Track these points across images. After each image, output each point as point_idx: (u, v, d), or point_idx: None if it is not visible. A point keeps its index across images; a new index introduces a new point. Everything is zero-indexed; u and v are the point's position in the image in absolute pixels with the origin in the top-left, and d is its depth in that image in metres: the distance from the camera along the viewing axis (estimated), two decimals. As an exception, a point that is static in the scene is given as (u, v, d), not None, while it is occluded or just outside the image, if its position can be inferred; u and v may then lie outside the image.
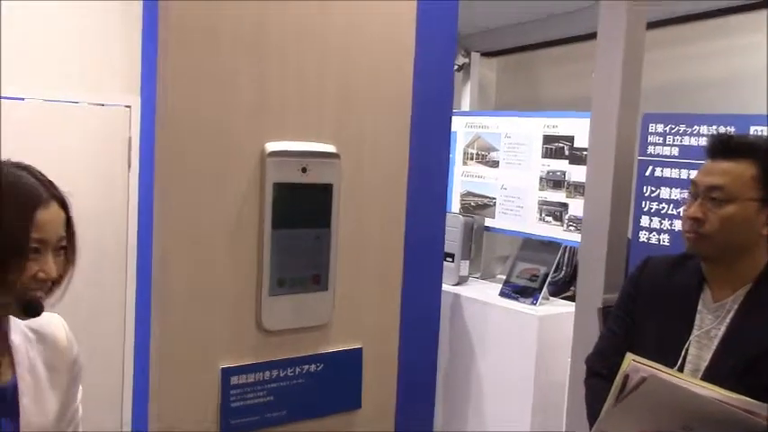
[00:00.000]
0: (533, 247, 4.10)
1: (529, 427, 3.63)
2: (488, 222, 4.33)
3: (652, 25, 2.71)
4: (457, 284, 4.05)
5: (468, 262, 4.15)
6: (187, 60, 1.44)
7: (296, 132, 1.58)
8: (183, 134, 1.45)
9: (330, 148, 1.62)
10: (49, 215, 1.32)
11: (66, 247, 1.38)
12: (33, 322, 1.45)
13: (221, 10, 1.47)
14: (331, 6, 1.59)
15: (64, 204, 1.38)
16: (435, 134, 1.84)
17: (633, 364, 1.55)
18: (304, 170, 1.58)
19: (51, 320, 1.50)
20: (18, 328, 1.42)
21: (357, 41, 1.63)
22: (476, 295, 3.97)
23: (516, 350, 3.73)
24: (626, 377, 1.55)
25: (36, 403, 1.39)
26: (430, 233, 1.86)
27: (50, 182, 1.38)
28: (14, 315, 1.36)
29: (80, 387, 1.55)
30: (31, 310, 1.32)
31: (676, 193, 3.50)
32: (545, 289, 3.85)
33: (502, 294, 3.93)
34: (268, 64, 1.53)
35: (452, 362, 3.98)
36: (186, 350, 1.51)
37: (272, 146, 1.54)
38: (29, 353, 1.42)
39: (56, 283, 1.36)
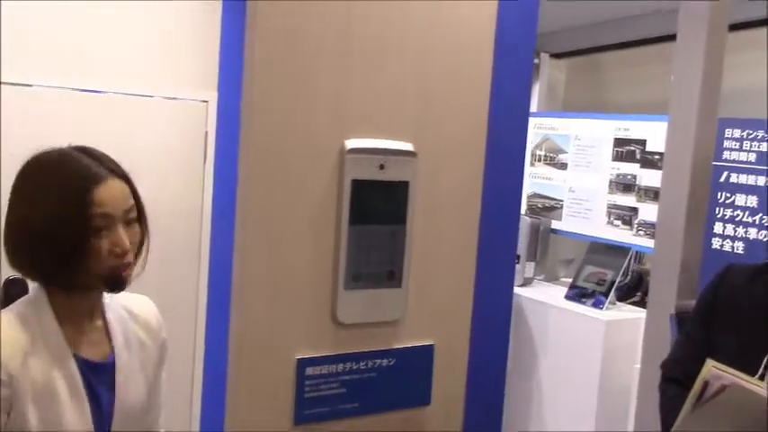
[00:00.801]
0: (601, 250, 4.04)
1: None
2: (555, 225, 4.29)
3: (731, 28, 2.64)
4: (522, 286, 4.02)
5: (533, 264, 4.12)
6: (272, 60, 1.48)
7: (375, 130, 1.60)
8: (267, 131, 1.49)
9: (408, 147, 1.63)
10: (108, 190, 1.35)
11: (139, 218, 1.41)
12: (127, 302, 1.51)
13: (306, 9, 1.50)
14: (413, 7, 1.61)
15: (126, 179, 1.40)
16: (512, 136, 1.84)
17: (714, 370, 1.52)
18: (382, 167, 1.60)
19: (142, 301, 1.56)
20: (113, 307, 1.48)
21: (437, 42, 1.65)
22: (541, 297, 3.94)
23: (581, 354, 3.69)
24: (705, 384, 1.52)
25: (130, 380, 1.44)
26: (504, 234, 1.86)
27: (110, 159, 1.41)
28: (104, 291, 1.41)
29: (163, 381, 1.59)
30: (116, 284, 1.36)
31: (752, 201, 3.42)
32: (612, 294, 3.79)
33: (568, 297, 3.89)
34: (350, 63, 1.56)
35: (515, 363, 3.96)
36: (264, 341, 1.54)
37: (351, 143, 1.57)
38: (124, 331, 1.47)
39: (137, 254, 1.41)
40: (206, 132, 3.18)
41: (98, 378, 1.40)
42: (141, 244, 1.44)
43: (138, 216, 1.42)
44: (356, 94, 1.57)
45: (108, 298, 1.49)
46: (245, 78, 1.51)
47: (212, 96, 3.11)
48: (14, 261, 1.37)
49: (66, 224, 1.31)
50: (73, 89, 2.99)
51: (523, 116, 1.92)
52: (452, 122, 1.70)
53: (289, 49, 1.50)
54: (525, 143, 1.96)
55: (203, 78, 3.13)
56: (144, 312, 1.54)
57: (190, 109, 3.19)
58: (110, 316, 1.46)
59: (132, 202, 1.40)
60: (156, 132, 3.12)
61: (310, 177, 1.55)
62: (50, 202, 1.33)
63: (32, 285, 1.43)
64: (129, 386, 1.44)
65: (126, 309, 1.51)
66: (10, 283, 2.82)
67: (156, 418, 1.56)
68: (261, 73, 1.48)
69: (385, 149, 1.60)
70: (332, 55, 1.54)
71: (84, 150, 1.41)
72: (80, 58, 3.00)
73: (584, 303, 3.80)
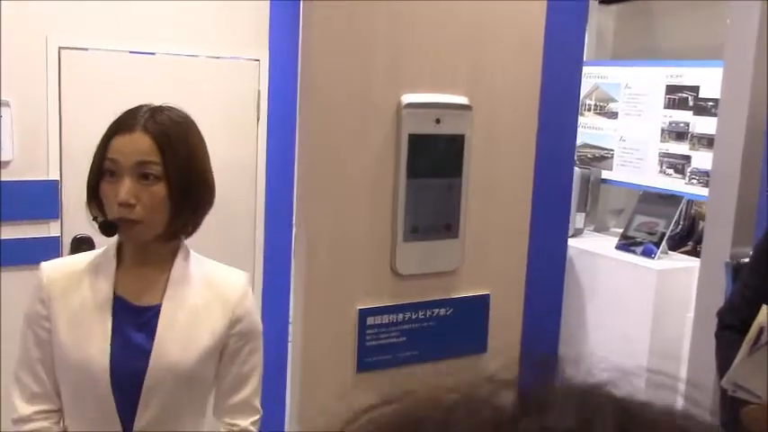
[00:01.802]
0: (652, 200, 4.00)
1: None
2: (605, 174, 4.26)
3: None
4: (572, 236, 4.01)
5: (584, 214, 4.10)
6: (329, 17, 1.50)
7: (430, 84, 1.62)
8: (325, 88, 1.52)
9: (463, 100, 1.65)
10: (125, 141, 1.39)
11: (167, 179, 1.40)
12: (212, 270, 1.54)
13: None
14: (466, -42, 1.61)
15: (157, 136, 1.41)
16: (565, 85, 1.84)
17: (770, 317, 1.53)
18: (438, 121, 1.62)
19: (229, 275, 1.55)
20: (188, 267, 1.51)
21: (491, -7, 1.65)
22: (591, 248, 3.93)
23: (633, 304, 3.69)
24: (761, 329, 1.54)
25: (175, 334, 1.45)
26: (558, 185, 1.87)
27: (160, 117, 1.43)
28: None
29: (254, 364, 1.54)
30: (103, 229, 1.42)
31: (810, 146, 3.34)
32: (664, 243, 3.77)
33: (619, 247, 3.88)
34: (404, 19, 1.57)
35: (566, 314, 3.98)
36: (327, 292, 1.60)
37: (407, 98, 1.59)
38: (185, 289, 1.50)
39: (170, 216, 1.43)
40: (258, 91, 3.22)
41: (137, 322, 1.46)
42: (177, 207, 1.43)
43: (167, 179, 1.41)
44: (411, 50, 1.59)
45: (195, 260, 1.53)
46: (303, 36, 1.54)
47: (264, 55, 3.13)
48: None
49: (93, 164, 1.43)
50: (127, 51, 3.05)
51: (577, 66, 1.92)
52: (506, 75, 1.71)
53: (345, 7, 1.52)
54: (579, 93, 1.95)
55: (254, 37, 3.16)
56: (224, 284, 1.53)
57: (241, 68, 3.23)
58: (175, 271, 1.51)
59: (152, 159, 1.40)
60: (209, 92, 3.16)
61: (368, 132, 1.58)
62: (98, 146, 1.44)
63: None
64: (172, 340, 1.45)
65: (204, 273, 1.52)
66: (78, 240, 2.95)
67: (236, 395, 1.52)
68: (318, 30, 1.51)
69: (441, 104, 1.62)
70: (387, 11, 1.55)
71: (154, 108, 1.47)
72: (132, 21, 3.05)
73: (634, 253, 3.79)
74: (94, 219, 1.45)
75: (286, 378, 3.14)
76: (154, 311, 1.47)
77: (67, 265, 1.52)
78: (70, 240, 2.97)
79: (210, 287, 1.52)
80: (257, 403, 1.55)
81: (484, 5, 1.65)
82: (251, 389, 1.53)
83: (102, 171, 1.41)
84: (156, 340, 1.45)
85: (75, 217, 2.95)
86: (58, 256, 2.94)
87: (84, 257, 1.52)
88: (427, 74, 1.62)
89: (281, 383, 3.25)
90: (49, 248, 2.94)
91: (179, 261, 1.51)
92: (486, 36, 1.67)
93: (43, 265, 1.49)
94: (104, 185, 1.40)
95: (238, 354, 1.52)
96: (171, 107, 1.50)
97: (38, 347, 1.46)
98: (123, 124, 1.42)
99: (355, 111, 1.56)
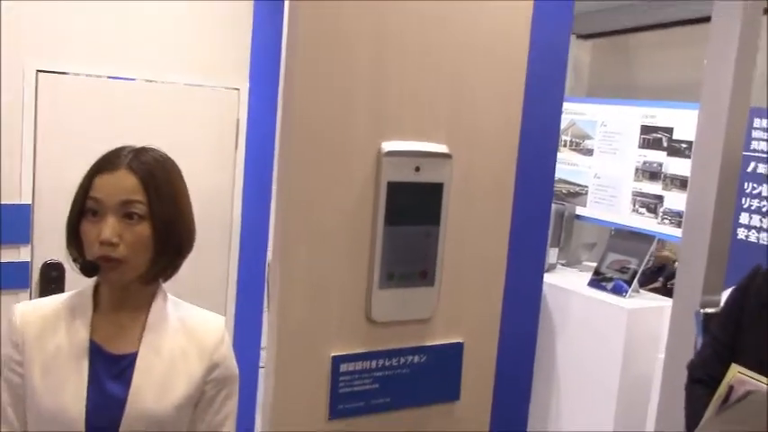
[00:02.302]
0: (624, 237, 4.05)
1: (612, 421, 3.63)
2: (579, 211, 4.31)
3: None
4: (545, 272, 4.04)
5: (557, 249, 4.15)
6: (312, 62, 1.50)
7: (410, 132, 1.63)
8: (306, 133, 1.52)
9: (443, 149, 1.65)
10: (109, 179, 1.39)
11: (151, 219, 1.41)
12: (189, 314, 1.53)
13: (343, 11, 1.52)
14: (448, 7, 1.62)
15: (142, 175, 1.41)
16: (545, 127, 1.85)
17: (739, 376, 1.55)
18: (417, 169, 1.63)
19: (206, 319, 1.55)
20: (164, 313, 1.50)
21: (472, 44, 1.66)
22: (563, 284, 3.97)
23: (603, 342, 3.72)
24: (730, 388, 1.55)
25: (151, 383, 1.44)
26: (535, 231, 1.88)
27: (143, 156, 1.44)
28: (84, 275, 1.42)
29: (230, 408, 1.54)
30: (85, 269, 1.40)
31: (780, 191, 3.41)
32: (635, 282, 3.81)
33: (591, 284, 3.91)
34: (386, 66, 1.58)
35: (537, 350, 4.00)
36: (300, 337, 1.58)
37: (388, 146, 1.59)
38: (161, 334, 1.48)
39: (155, 255, 1.44)
40: (237, 120, 3.22)
41: (112, 371, 1.43)
42: (159, 248, 1.43)
43: (152, 219, 1.42)
44: (392, 97, 1.60)
45: (171, 304, 1.52)
46: (286, 80, 1.54)
47: (243, 84, 3.13)
48: None
49: (74, 202, 1.42)
50: (105, 76, 3.04)
51: (557, 109, 1.93)
52: (486, 122, 1.72)
53: (328, 52, 1.52)
54: (558, 137, 1.97)
55: (235, 66, 3.16)
56: (201, 330, 1.52)
57: (221, 96, 3.23)
58: (151, 317, 1.49)
59: (137, 199, 1.40)
60: (188, 120, 3.16)
61: (348, 179, 1.57)
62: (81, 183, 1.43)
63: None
64: (148, 389, 1.43)
65: (181, 318, 1.52)
66: (48, 266, 2.91)
67: None
68: (301, 75, 1.51)
69: (421, 152, 1.63)
70: (369, 58, 1.56)
71: (139, 149, 1.47)
72: (112, 46, 3.04)
73: (605, 290, 3.82)
74: (74, 260, 1.43)
75: (255, 407, 3.12)
76: (130, 359, 1.45)
77: (42, 307, 1.48)
78: (40, 265, 2.93)
79: (187, 333, 1.51)
80: None
81: (466, 54, 1.66)
82: None
83: (83, 210, 1.39)
84: (131, 389, 1.42)
85: (46, 242, 2.91)
86: (29, 282, 2.92)
87: (59, 299, 1.49)
88: (408, 121, 1.62)
89: (250, 413, 3.22)
90: (19, 273, 2.89)
91: (156, 305, 1.50)
92: (467, 84, 1.68)
93: (18, 307, 1.47)
94: (86, 225, 1.39)
95: (214, 400, 1.52)
96: (153, 148, 1.49)
97: (8, 392, 1.43)
98: (107, 163, 1.42)
99: (335, 156, 1.56)
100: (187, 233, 1.51)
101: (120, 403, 1.41)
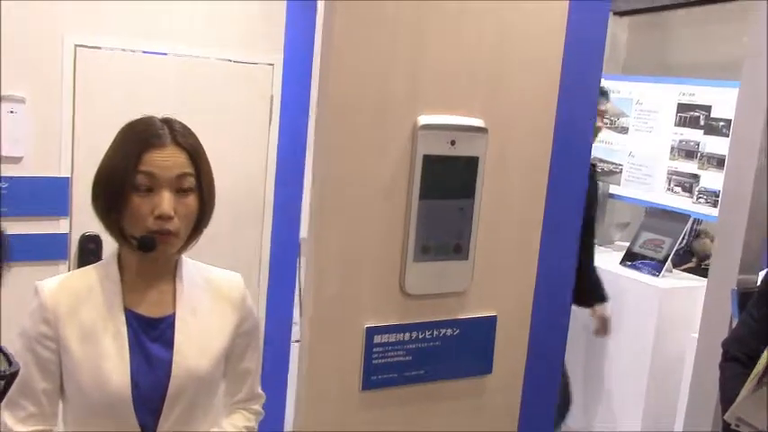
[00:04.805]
0: (659, 216, 4.02)
1: (644, 400, 3.62)
2: (613, 189, 4.27)
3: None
4: (578, 251, 4.01)
5: (590, 229, 4.10)
6: (351, 36, 1.51)
7: (447, 106, 1.63)
8: (344, 105, 1.53)
9: (479, 123, 1.65)
10: (161, 155, 1.41)
11: (198, 191, 1.46)
12: (211, 274, 1.58)
13: (381, -16, 1.51)
14: (487, -19, 1.61)
15: (189, 150, 1.45)
16: (581, 104, 1.83)
17: (776, 354, 1.53)
18: (453, 143, 1.63)
19: (228, 276, 1.62)
20: (190, 274, 1.55)
21: (511, 17, 1.65)
22: (597, 262, 3.94)
23: (636, 321, 3.70)
24: (768, 366, 1.54)
25: (192, 342, 1.50)
26: (569, 207, 1.87)
27: (186, 132, 1.47)
28: (137, 251, 1.44)
29: (255, 356, 1.65)
30: (144, 245, 1.41)
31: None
32: (668, 262, 3.78)
33: (623, 264, 3.89)
34: (424, 39, 1.57)
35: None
36: (335, 309, 1.60)
37: (424, 119, 1.59)
38: (194, 297, 1.53)
39: (195, 229, 1.48)
40: (271, 96, 3.23)
41: (152, 334, 1.48)
42: (200, 219, 1.49)
43: (200, 191, 1.46)
44: (430, 70, 1.59)
45: (190, 267, 1.56)
46: (323, 51, 1.54)
47: (278, 60, 3.13)
48: (93, 208, 1.49)
49: (116, 176, 1.41)
50: (140, 51, 3.06)
51: (594, 87, 1.91)
52: (523, 98, 1.71)
53: (365, 26, 1.52)
54: (595, 113, 1.95)
55: (269, 41, 3.16)
56: (225, 286, 1.59)
57: (256, 72, 3.24)
58: (181, 280, 1.52)
59: (189, 172, 1.44)
60: (222, 95, 3.17)
61: (383, 151, 1.58)
62: (115, 156, 1.43)
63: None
64: (190, 348, 1.49)
65: (206, 279, 1.57)
66: (86, 238, 2.97)
67: (242, 387, 1.64)
68: (338, 46, 1.51)
69: (456, 126, 1.62)
70: (407, 31, 1.55)
71: (165, 120, 1.48)
72: (147, 21, 3.07)
73: (639, 270, 3.79)
74: (131, 237, 1.42)
75: (286, 381, 3.16)
76: (168, 322, 1.49)
77: (69, 282, 1.50)
78: (78, 238, 2.99)
79: (214, 291, 1.57)
80: (260, 389, 1.70)
81: (504, 27, 1.65)
82: (256, 379, 1.66)
83: (132, 186, 1.40)
84: (174, 350, 1.47)
85: (84, 215, 2.96)
86: (67, 254, 2.97)
87: (85, 273, 1.52)
88: (445, 95, 1.62)
89: (281, 386, 3.27)
90: (58, 245, 2.95)
91: (183, 269, 1.53)
92: (504, 58, 1.67)
93: (42, 285, 1.47)
94: (136, 199, 1.40)
95: (245, 351, 1.62)
96: (177, 119, 1.51)
97: (38, 368, 1.45)
98: (151, 137, 1.42)
99: (372, 129, 1.57)
100: (214, 205, 1.55)
101: (165, 364, 1.46)
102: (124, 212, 1.41)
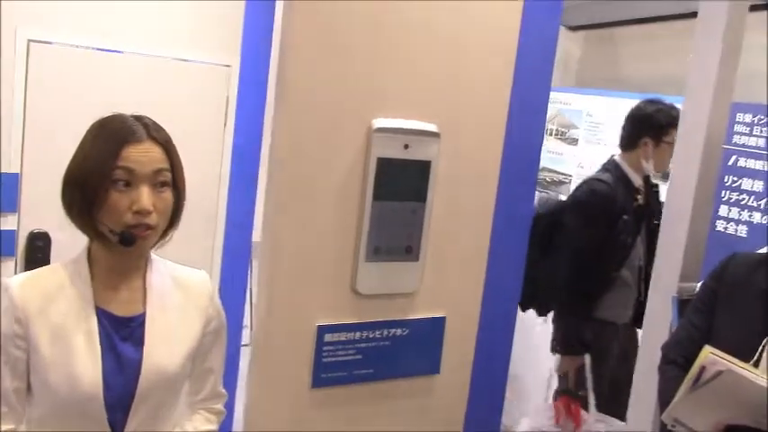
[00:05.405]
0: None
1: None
2: (562, 199, 4.35)
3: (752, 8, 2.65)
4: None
5: (539, 237, 4.18)
6: (307, 40, 1.54)
7: (401, 110, 1.66)
8: (300, 108, 1.55)
9: (432, 128, 1.69)
10: (139, 149, 1.41)
11: (173, 186, 1.47)
12: (177, 272, 1.58)
13: (339, -11, 1.55)
14: (442, -10, 1.65)
15: (164, 145, 1.46)
16: (532, 112, 1.89)
17: (710, 356, 1.60)
18: (406, 147, 1.66)
19: (194, 274, 1.62)
20: (159, 272, 1.55)
21: (464, 23, 1.70)
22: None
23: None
24: (702, 368, 1.60)
25: (161, 341, 1.50)
26: (518, 211, 1.92)
27: (158, 127, 1.48)
28: (116, 245, 1.43)
29: (220, 354, 1.64)
30: (125, 240, 1.41)
31: (758, 185, 3.47)
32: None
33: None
34: (379, 44, 1.61)
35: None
36: (287, 307, 1.62)
37: (378, 122, 1.63)
38: (163, 295, 1.53)
39: (170, 222, 1.48)
40: (227, 97, 3.22)
41: (122, 333, 1.47)
42: (174, 213, 1.50)
43: (174, 186, 1.48)
44: (385, 74, 1.63)
45: (160, 264, 1.55)
46: (279, 55, 1.56)
47: (235, 61, 3.13)
48: (63, 207, 1.46)
49: (93, 172, 1.40)
50: (94, 48, 3.04)
51: (543, 96, 1.97)
52: (475, 104, 1.76)
53: (322, 29, 1.55)
54: (544, 122, 2.01)
55: (226, 42, 3.16)
56: (192, 283, 1.59)
57: (211, 72, 3.23)
58: (151, 278, 1.52)
59: (166, 167, 1.45)
60: (177, 95, 3.15)
61: (338, 153, 1.61)
62: (91, 152, 1.42)
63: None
64: (160, 347, 1.49)
65: (173, 277, 1.57)
66: (34, 235, 2.92)
67: (206, 384, 1.63)
68: (295, 51, 1.53)
69: (410, 130, 1.66)
70: (362, 36, 1.59)
71: (137, 117, 1.48)
72: (102, 18, 3.04)
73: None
74: (112, 232, 1.41)
75: (236, 384, 3.15)
76: (138, 320, 1.48)
77: (39, 279, 1.47)
78: (26, 235, 2.94)
79: (182, 289, 1.57)
80: (222, 388, 1.69)
81: (459, 34, 1.70)
82: (218, 378, 1.65)
83: (110, 181, 1.39)
84: (145, 349, 1.47)
85: (33, 211, 2.92)
86: (14, 251, 2.93)
87: (54, 269, 1.49)
88: (399, 99, 1.66)
89: (231, 389, 3.25)
90: (5, 242, 2.90)
91: (152, 267, 1.53)
92: (458, 65, 1.72)
93: (12, 281, 1.45)
94: (115, 195, 1.39)
95: (210, 350, 1.62)
96: (146, 116, 1.51)
97: (9, 368, 1.42)
98: (127, 133, 1.42)
99: (327, 131, 1.59)
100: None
101: (134, 364, 1.45)
102: (101, 208, 1.40)
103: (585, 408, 3.01)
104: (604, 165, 3.31)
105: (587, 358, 3.11)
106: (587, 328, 3.12)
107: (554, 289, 3.15)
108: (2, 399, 1.43)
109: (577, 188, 3.31)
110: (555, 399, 3.20)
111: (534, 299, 3.19)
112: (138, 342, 1.48)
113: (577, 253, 3.05)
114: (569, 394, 3.05)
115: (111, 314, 1.47)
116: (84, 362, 1.41)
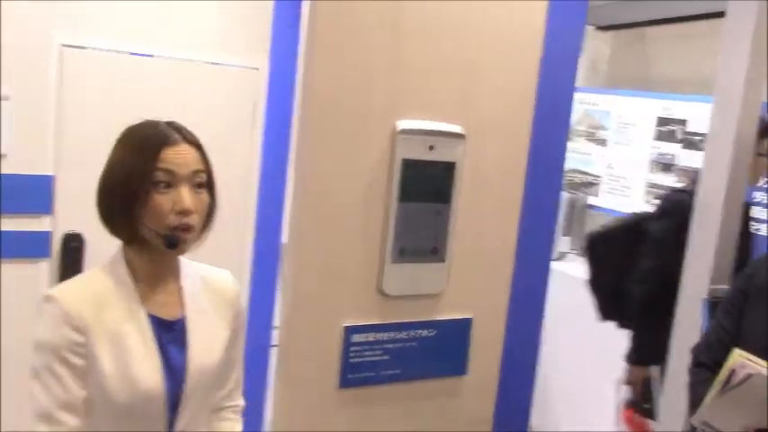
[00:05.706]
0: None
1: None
2: (591, 200, 4.33)
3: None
4: (556, 260, 4.08)
5: (568, 238, 4.17)
6: (332, 42, 1.55)
7: (426, 112, 1.67)
8: (325, 110, 1.57)
9: (457, 129, 1.70)
10: (177, 151, 1.43)
11: (208, 186, 1.48)
12: (205, 272, 1.60)
13: (363, -8, 1.56)
14: (468, -8, 1.66)
15: (198, 146, 1.48)
16: (557, 115, 1.88)
17: (740, 360, 1.58)
18: (431, 148, 1.67)
19: (221, 274, 1.64)
20: (189, 274, 1.57)
21: (489, 25, 1.70)
22: (573, 272, 3.99)
23: (612, 330, 3.74)
24: (732, 372, 1.59)
25: (203, 341, 1.52)
26: (544, 213, 1.91)
27: (189, 131, 1.50)
28: (161, 248, 1.44)
29: (241, 347, 1.66)
30: (170, 242, 1.42)
31: (791, 186, 3.41)
32: (645, 272, 3.83)
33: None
34: (403, 47, 1.62)
35: (545, 335, 4.03)
36: (314, 309, 1.64)
37: (403, 124, 1.64)
38: (197, 296, 1.55)
39: (205, 223, 1.50)
40: (255, 100, 3.25)
41: (168, 336, 1.49)
42: (209, 214, 1.52)
43: (208, 186, 1.50)
44: (409, 76, 1.64)
45: (187, 266, 1.58)
46: (305, 58, 1.58)
47: (263, 64, 3.16)
48: (99, 214, 1.47)
49: (132, 175, 1.41)
50: (126, 52, 3.09)
51: (568, 96, 1.96)
52: (500, 105, 1.76)
53: (347, 32, 1.56)
54: (569, 123, 1.99)
55: (255, 45, 3.18)
56: (220, 283, 1.61)
57: (240, 76, 3.26)
58: (185, 281, 1.54)
59: (202, 168, 1.47)
60: (207, 98, 3.19)
61: (364, 155, 1.62)
62: (125, 157, 1.44)
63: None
64: (202, 347, 1.51)
65: (202, 277, 1.59)
66: (69, 237, 2.97)
67: (231, 377, 1.64)
68: (320, 52, 1.55)
69: (435, 131, 1.67)
70: (387, 39, 1.60)
71: (168, 122, 1.51)
72: (133, 22, 3.09)
73: (616, 280, 3.84)
74: (157, 234, 1.42)
75: (266, 385, 3.17)
76: (180, 324, 1.51)
77: (83, 288, 1.48)
78: (61, 236, 3.00)
79: (212, 290, 1.59)
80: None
81: (483, 35, 1.70)
82: (240, 370, 1.65)
83: (150, 184, 1.41)
84: (189, 352, 1.49)
85: (68, 213, 2.98)
86: (50, 252, 2.98)
87: (95, 275, 1.50)
88: (423, 101, 1.67)
89: (261, 391, 3.28)
90: (41, 243, 2.96)
91: (185, 270, 1.55)
92: (482, 66, 1.72)
93: (57, 293, 1.44)
94: (157, 197, 1.41)
95: (234, 344, 1.62)
96: (175, 121, 1.53)
97: (75, 378, 1.42)
98: (164, 136, 1.44)
99: (352, 132, 1.61)
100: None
101: (181, 365, 1.48)
102: (143, 211, 1.42)
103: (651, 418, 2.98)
104: (692, 176, 3.17)
105: (655, 370, 3.05)
106: (662, 341, 3.06)
107: (641, 304, 3.05)
108: (73, 412, 1.42)
109: (666, 199, 3.17)
110: (622, 409, 3.18)
111: (617, 311, 3.15)
112: (182, 344, 1.50)
113: (666, 265, 2.95)
114: (635, 406, 3.04)
115: (158, 318, 1.49)
116: (143, 364, 1.43)
